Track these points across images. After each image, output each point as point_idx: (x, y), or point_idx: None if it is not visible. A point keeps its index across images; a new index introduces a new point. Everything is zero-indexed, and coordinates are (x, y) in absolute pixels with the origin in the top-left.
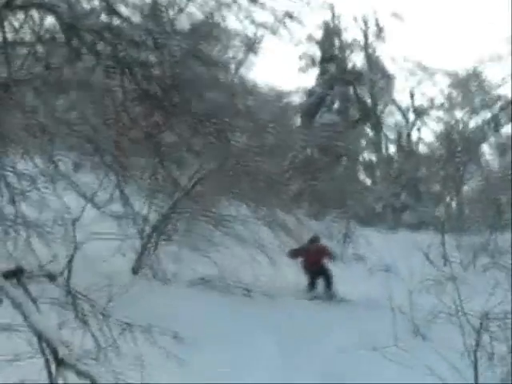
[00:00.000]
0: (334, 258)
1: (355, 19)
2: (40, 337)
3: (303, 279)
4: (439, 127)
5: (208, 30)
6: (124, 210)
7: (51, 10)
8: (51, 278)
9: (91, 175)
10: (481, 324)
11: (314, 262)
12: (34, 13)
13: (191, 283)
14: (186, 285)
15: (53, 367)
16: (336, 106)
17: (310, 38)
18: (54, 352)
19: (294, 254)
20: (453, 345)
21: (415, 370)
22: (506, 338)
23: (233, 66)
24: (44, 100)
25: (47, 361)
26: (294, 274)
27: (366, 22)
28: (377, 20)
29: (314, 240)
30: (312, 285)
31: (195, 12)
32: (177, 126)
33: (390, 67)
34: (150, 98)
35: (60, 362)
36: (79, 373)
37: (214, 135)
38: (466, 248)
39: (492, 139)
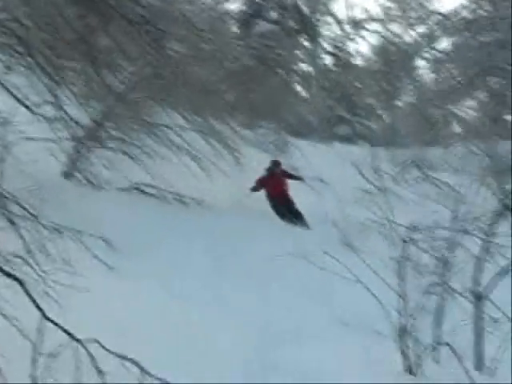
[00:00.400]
0: (297, 177)
1: None
2: None
3: (236, 188)
4: (375, 40)
5: None
6: (57, 114)
7: None
8: None
9: (23, 78)
10: (408, 235)
11: (279, 194)
12: None
13: (124, 190)
14: (119, 191)
15: None
16: (273, 15)
17: None
18: None
19: (256, 188)
20: (381, 255)
21: (342, 278)
22: (433, 249)
23: None
24: None
25: None
26: (228, 183)
27: None
28: None
29: (274, 166)
30: (290, 220)
31: None
32: (112, 30)
33: None
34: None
35: None
36: (7, 274)
37: (150, 42)
38: (397, 161)
39: (427, 54)
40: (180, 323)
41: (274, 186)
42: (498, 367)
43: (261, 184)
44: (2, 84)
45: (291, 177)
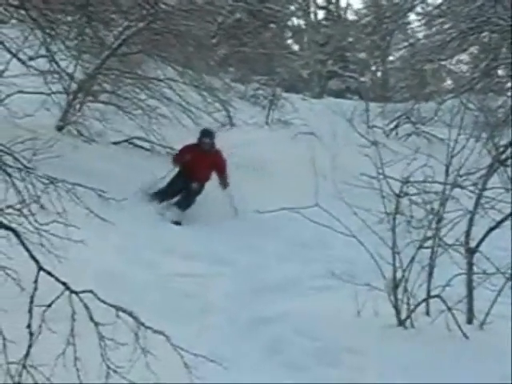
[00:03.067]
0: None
1: None
2: None
3: (228, 141)
4: None
5: None
6: (50, 67)
7: None
8: None
9: (16, 31)
10: (401, 188)
11: (202, 173)
12: None
13: (116, 143)
14: (111, 144)
15: None
16: None
17: None
18: None
19: (177, 159)
20: (373, 208)
21: (336, 232)
22: (425, 202)
23: None
24: None
25: None
26: (220, 136)
27: None
28: None
29: (208, 135)
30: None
31: None
32: None
33: None
34: None
35: None
36: (3, 226)
37: None
38: (389, 116)
39: (420, 9)
40: (171, 276)
41: (199, 160)
42: (489, 321)
43: (183, 156)
44: None
45: (219, 165)
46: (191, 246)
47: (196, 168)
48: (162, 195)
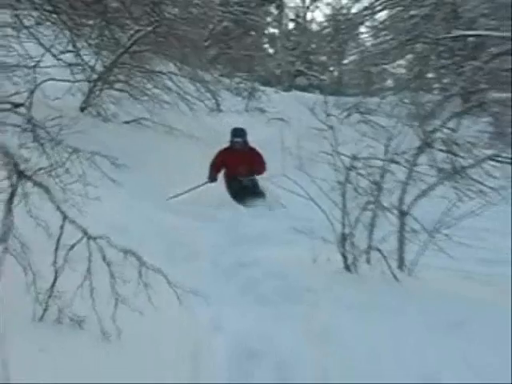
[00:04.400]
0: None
1: None
2: (5, 153)
3: (215, 123)
4: (328, 10)
5: None
6: (76, 60)
7: None
8: (15, 106)
9: (50, 31)
10: (350, 163)
11: (241, 170)
12: None
13: (127, 122)
14: (123, 123)
15: (14, 178)
16: None
17: None
18: (16, 165)
19: (213, 175)
20: (328, 178)
21: (298, 196)
22: (368, 174)
23: None
24: None
25: (9, 173)
26: (209, 119)
27: None
28: None
29: (239, 134)
30: (241, 199)
31: None
32: None
33: None
34: None
35: (20, 174)
36: (35, 183)
37: (150, 5)
38: (342, 107)
39: (368, 23)
40: (168, 229)
41: (235, 161)
42: (417, 270)
43: (219, 165)
44: (33, 35)
45: (256, 164)
46: (185, 206)
47: (236, 169)
48: (239, 202)
